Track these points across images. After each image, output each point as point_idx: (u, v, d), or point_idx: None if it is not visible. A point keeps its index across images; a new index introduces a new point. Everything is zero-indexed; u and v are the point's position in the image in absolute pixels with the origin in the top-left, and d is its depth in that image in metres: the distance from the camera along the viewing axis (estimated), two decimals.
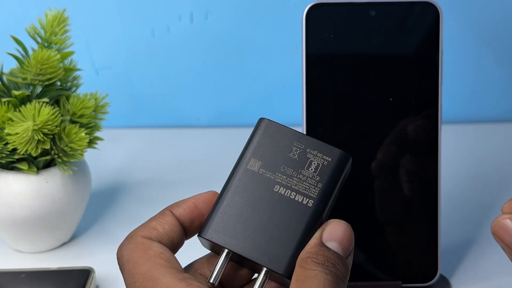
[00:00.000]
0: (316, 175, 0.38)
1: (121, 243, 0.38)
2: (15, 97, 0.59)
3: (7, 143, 0.59)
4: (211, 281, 0.37)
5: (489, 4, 0.86)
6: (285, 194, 0.38)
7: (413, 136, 0.55)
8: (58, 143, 0.60)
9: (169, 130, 0.90)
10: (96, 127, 0.63)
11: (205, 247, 0.40)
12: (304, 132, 0.55)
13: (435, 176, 0.56)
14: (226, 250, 0.37)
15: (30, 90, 0.60)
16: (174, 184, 0.76)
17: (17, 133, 0.57)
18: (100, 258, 0.64)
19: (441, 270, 0.57)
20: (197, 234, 0.39)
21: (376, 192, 0.56)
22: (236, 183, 0.38)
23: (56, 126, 0.59)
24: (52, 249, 0.65)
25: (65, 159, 0.60)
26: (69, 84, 0.63)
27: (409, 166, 0.56)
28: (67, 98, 0.62)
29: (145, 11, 0.87)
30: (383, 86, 0.55)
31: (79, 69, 0.63)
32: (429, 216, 0.56)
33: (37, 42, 0.62)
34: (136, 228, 0.38)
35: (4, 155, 0.59)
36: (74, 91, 0.64)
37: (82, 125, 0.62)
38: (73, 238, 0.67)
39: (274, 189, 0.38)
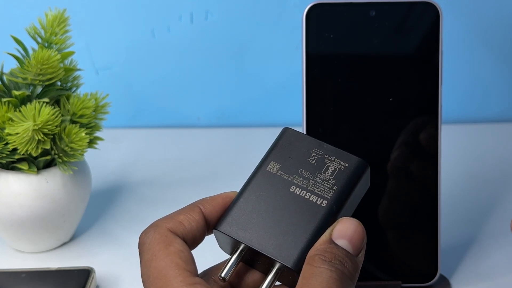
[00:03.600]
0: (332, 178, 0.39)
1: (146, 229, 0.38)
2: (16, 97, 0.59)
3: (7, 143, 0.59)
4: (223, 275, 0.38)
5: (489, 4, 0.86)
6: (300, 194, 0.38)
7: (413, 136, 0.55)
8: (58, 143, 0.60)
9: (169, 130, 0.90)
10: (96, 127, 0.63)
11: (221, 247, 0.40)
12: (304, 132, 0.55)
13: (435, 176, 0.56)
14: (240, 248, 0.38)
15: (30, 90, 0.60)
16: (174, 184, 0.76)
17: (17, 133, 0.57)
18: (100, 258, 0.64)
19: (441, 270, 0.57)
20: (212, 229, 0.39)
21: (376, 192, 0.56)
22: (254, 182, 0.39)
23: (56, 126, 0.59)
24: (52, 249, 0.65)
25: (65, 159, 0.60)
26: (69, 84, 0.63)
27: (409, 166, 0.56)
28: (67, 98, 0.62)
29: (145, 11, 0.87)
30: (383, 86, 0.55)
31: (79, 69, 0.63)
32: (429, 216, 0.56)
33: (37, 42, 0.62)
34: (163, 218, 0.38)
35: (4, 155, 0.59)
36: (74, 91, 0.64)
37: (82, 125, 0.62)
38: (73, 238, 0.67)
39: (290, 189, 0.39)
